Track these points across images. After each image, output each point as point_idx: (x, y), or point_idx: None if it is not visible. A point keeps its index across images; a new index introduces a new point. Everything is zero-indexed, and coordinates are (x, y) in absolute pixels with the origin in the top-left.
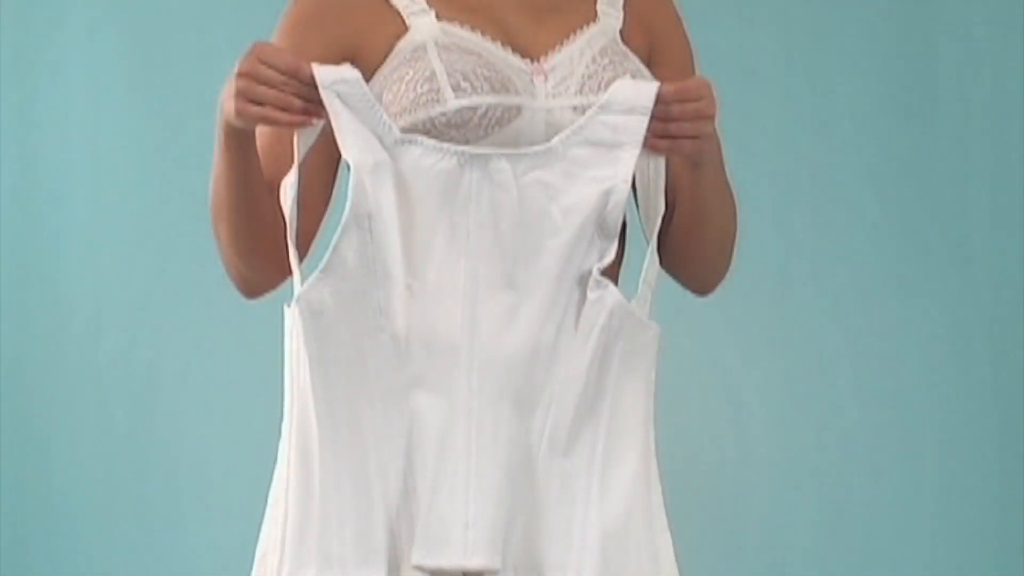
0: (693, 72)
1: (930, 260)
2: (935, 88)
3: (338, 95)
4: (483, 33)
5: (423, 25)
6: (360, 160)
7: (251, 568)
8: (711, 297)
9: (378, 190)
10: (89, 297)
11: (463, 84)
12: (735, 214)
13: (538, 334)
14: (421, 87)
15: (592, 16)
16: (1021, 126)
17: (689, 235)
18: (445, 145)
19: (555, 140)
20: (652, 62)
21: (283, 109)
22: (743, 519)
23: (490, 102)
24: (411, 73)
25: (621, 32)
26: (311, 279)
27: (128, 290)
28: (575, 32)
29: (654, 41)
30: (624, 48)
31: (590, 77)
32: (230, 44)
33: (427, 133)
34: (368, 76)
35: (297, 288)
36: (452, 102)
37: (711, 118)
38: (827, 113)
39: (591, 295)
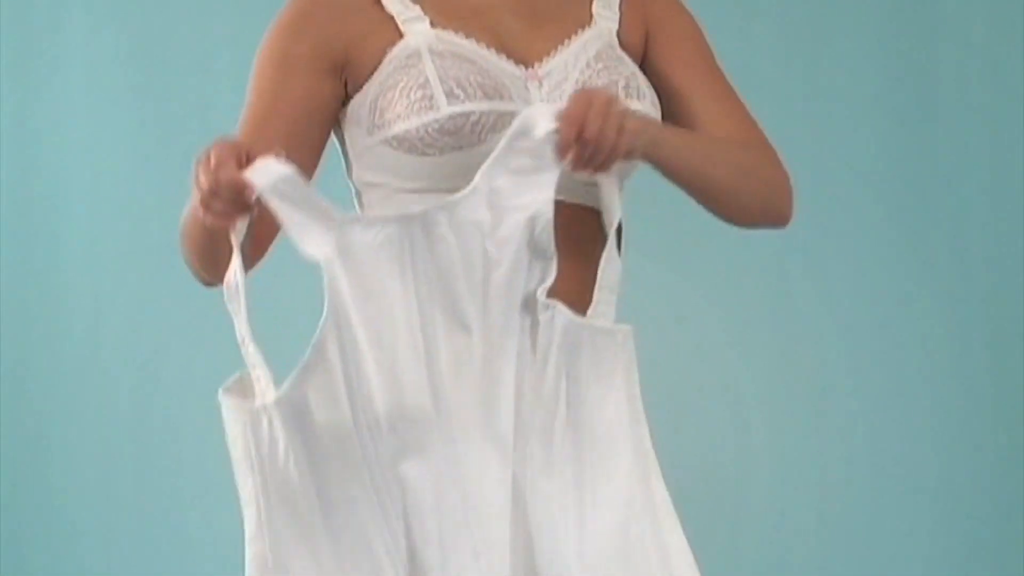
0: (701, 49)
1: (929, 260)
2: (935, 88)
3: (280, 195)
4: (477, 40)
5: (418, 32)
6: (317, 254)
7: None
8: (710, 297)
9: (337, 281)
10: (89, 297)
11: (456, 91)
12: (736, 152)
13: (498, 369)
14: (414, 94)
15: (587, 20)
16: (1021, 126)
17: (705, 196)
18: (385, 215)
19: (477, 177)
20: (651, 49)
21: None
22: (743, 519)
23: (483, 108)
24: (405, 80)
25: (619, 32)
26: (291, 381)
27: (128, 290)
28: (570, 37)
29: (652, 28)
30: (620, 52)
31: (584, 83)
32: (230, 44)
33: (421, 140)
34: (361, 82)
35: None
36: (445, 109)
37: (614, 125)
38: (826, 113)
39: (541, 318)
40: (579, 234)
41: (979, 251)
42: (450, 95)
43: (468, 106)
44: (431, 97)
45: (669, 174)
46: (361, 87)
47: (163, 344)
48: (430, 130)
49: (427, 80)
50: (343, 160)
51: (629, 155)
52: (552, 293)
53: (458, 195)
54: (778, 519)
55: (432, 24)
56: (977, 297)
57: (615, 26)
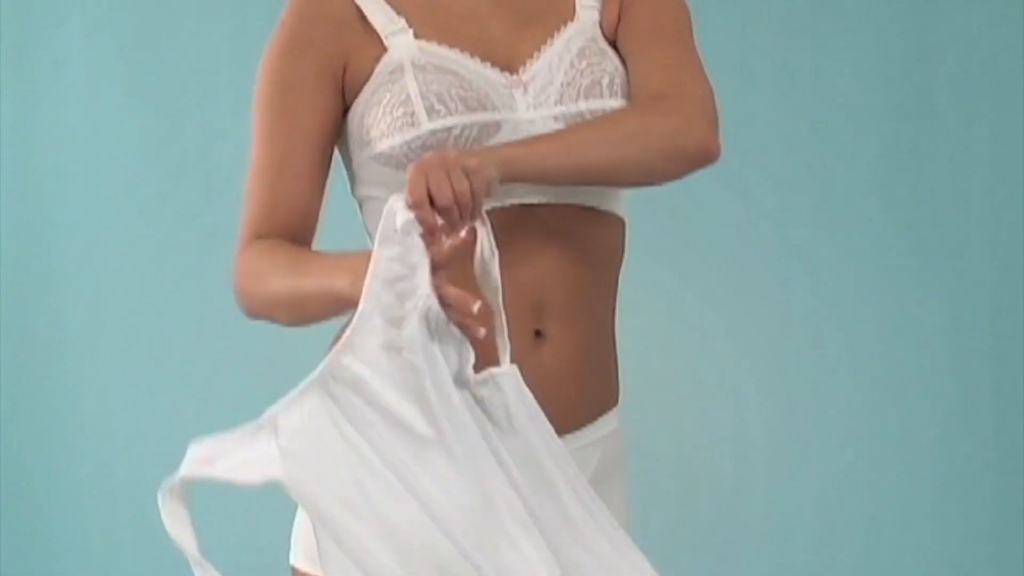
0: (657, 14)
1: (929, 260)
2: (934, 88)
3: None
4: (461, 49)
5: (401, 45)
6: (268, 476)
7: (251, 568)
8: (710, 298)
9: (299, 485)
10: (89, 297)
11: (437, 106)
12: (620, 122)
13: (480, 464)
14: (396, 111)
15: (570, 14)
16: (1021, 126)
17: (598, 180)
18: (293, 392)
19: (361, 305)
20: (621, 26)
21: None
22: (742, 519)
23: (464, 122)
24: (388, 96)
25: (601, 22)
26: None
27: (128, 290)
28: (553, 36)
29: (624, 3)
30: (603, 46)
31: (568, 85)
32: (230, 44)
33: (406, 156)
34: (351, 98)
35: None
36: (426, 125)
37: (459, 176)
38: (826, 113)
39: (484, 393)
40: (582, 235)
41: (979, 251)
42: (431, 111)
43: (449, 120)
44: (412, 114)
45: (545, 181)
46: (351, 104)
47: (163, 344)
48: (413, 147)
49: (408, 96)
50: (346, 172)
51: (490, 187)
52: (556, 299)
53: (349, 330)
54: (777, 519)
55: (416, 35)
56: (977, 297)
57: (597, 16)
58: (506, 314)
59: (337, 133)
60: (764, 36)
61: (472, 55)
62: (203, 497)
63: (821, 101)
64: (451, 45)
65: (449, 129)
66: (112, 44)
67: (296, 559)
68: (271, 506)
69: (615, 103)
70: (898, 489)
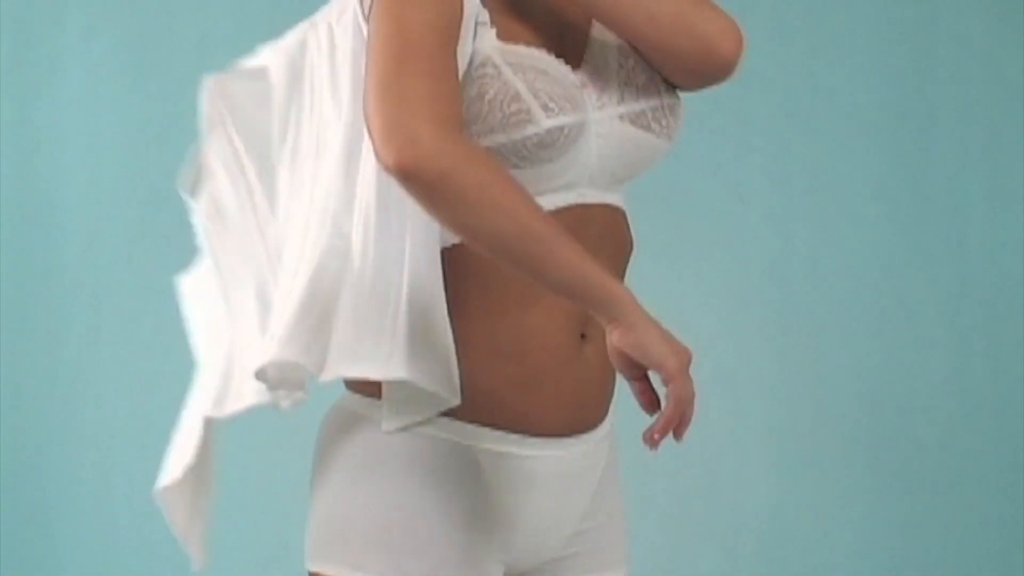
0: None
1: (928, 260)
2: (933, 88)
3: None
4: (538, 47)
5: (487, 38)
6: None
7: (251, 568)
8: (709, 298)
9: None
10: (89, 297)
11: (550, 104)
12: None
13: None
14: (508, 107)
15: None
16: (1020, 126)
17: (645, 48)
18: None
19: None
20: None
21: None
22: (741, 520)
23: (572, 121)
24: (492, 91)
25: None
26: None
27: (127, 289)
28: (586, 35)
29: None
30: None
31: (626, 84)
32: (229, 44)
33: (516, 153)
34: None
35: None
36: (544, 123)
37: None
38: (825, 113)
39: None
40: (620, 238)
41: (979, 251)
42: (546, 108)
43: (562, 119)
44: (528, 111)
45: (609, 25)
46: None
47: (163, 344)
48: (528, 144)
49: (518, 93)
50: None
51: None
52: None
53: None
54: (777, 520)
55: (498, 36)
56: (977, 297)
57: None
58: (559, 316)
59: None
60: (763, 36)
61: (549, 52)
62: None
63: (820, 101)
64: (528, 43)
65: (562, 128)
66: (110, 44)
67: (313, 563)
68: (275, 507)
69: (670, 99)
70: (898, 489)
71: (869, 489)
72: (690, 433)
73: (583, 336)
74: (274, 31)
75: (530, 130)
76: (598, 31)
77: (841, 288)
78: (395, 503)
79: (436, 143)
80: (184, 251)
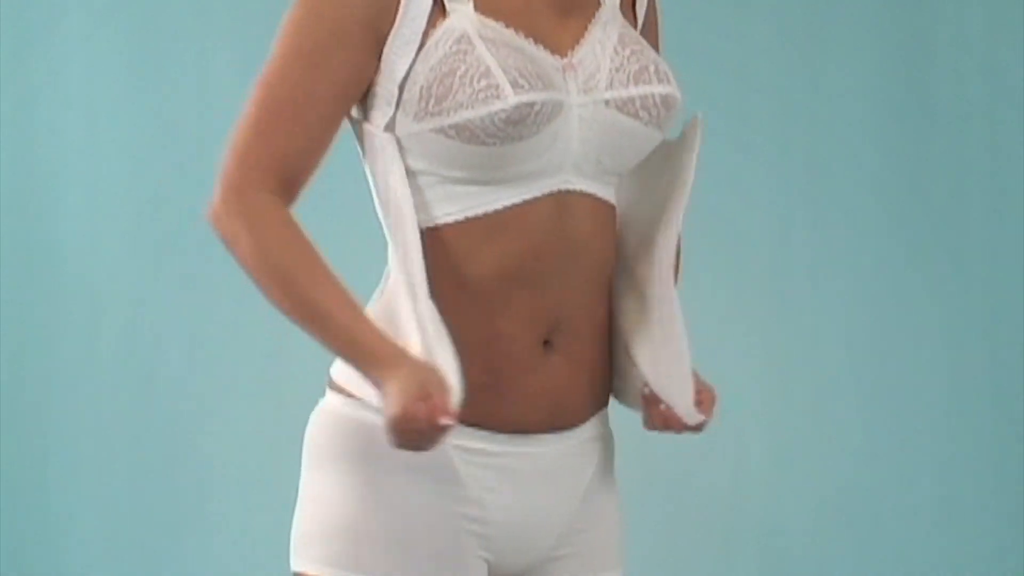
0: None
1: (927, 262)
2: (933, 88)
3: None
4: (516, 30)
5: (462, 14)
6: None
7: (250, 568)
8: (709, 298)
9: None
10: (89, 296)
11: (520, 80)
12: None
13: None
14: (477, 83)
15: (597, 2)
16: (1020, 127)
17: None
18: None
19: None
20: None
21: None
22: (741, 519)
23: (543, 98)
24: (463, 67)
25: (621, 7)
26: None
27: (127, 289)
28: (589, 23)
29: (647, 24)
30: (635, 33)
31: (617, 70)
32: (228, 44)
33: (484, 130)
34: (398, 63)
35: None
36: (512, 98)
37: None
38: (825, 114)
39: None
40: (605, 236)
41: (978, 251)
42: (515, 84)
43: (532, 95)
44: (496, 87)
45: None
46: (400, 68)
47: (163, 341)
48: (496, 120)
49: (488, 69)
50: (359, 145)
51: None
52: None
53: None
54: (776, 520)
55: (476, 8)
56: (976, 297)
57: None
58: (522, 324)
59: (356, 99)
60: (764, 36)
61: (527, 36)
62: (202, 499)
63: (820, 101)
64: (507, 24)
65: (532, 104)
66: (111, 44)
67: (296, 563)
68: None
69: (663, 89)
70: (897, 489)
71: (868, 490)
72: (690, 434)
73: (546, 343)
74: (274, 31)
75: (497, 105)
76: (605, 17)
77: (841, 288)
78: (373, 502)
79: (231, 204)
80: (184, 251)
